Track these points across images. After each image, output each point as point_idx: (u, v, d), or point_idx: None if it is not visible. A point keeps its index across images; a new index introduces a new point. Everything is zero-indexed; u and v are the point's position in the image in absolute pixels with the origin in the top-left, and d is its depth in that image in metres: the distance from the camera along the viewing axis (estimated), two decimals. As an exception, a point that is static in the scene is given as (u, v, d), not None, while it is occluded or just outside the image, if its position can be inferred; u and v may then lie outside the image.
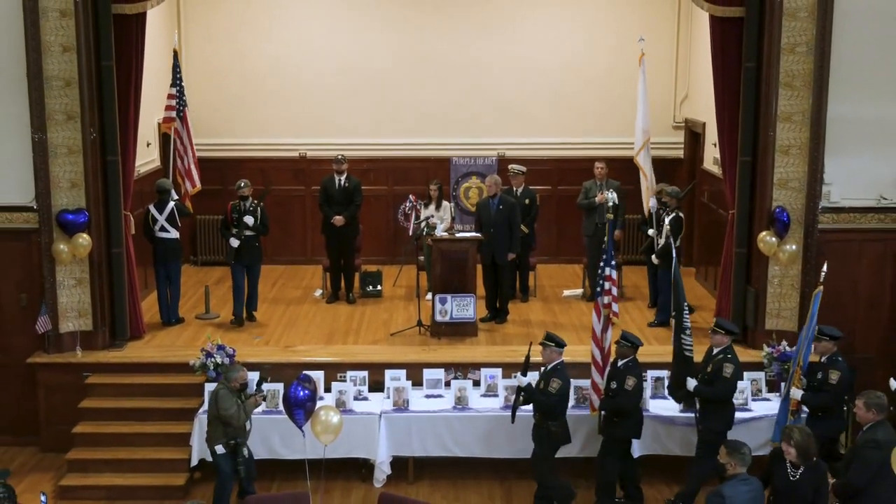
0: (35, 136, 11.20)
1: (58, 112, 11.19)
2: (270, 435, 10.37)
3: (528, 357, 9.92)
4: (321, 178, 14.04)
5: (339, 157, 13.76)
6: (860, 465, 7.81)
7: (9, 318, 11.67)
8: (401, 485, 10.50)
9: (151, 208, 12.65)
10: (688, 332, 10.06)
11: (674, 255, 10.79)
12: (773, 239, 11.35)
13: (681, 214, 12.83)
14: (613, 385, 9.81)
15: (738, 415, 10.53)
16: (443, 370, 11.12)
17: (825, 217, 11.50)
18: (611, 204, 12.44)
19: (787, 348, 11.07)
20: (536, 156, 15.24)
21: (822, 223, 11.49)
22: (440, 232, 12.59)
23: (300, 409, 8.68)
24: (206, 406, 10.60)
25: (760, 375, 10.99)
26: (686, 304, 10.18)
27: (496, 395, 10.80)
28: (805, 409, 9.81)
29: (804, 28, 11.08)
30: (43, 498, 7.43)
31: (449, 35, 15.58)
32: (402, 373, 10.85)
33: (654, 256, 12.95)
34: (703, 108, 14.27)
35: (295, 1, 15.23)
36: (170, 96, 14.25)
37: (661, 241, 12.71)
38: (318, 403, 9.02)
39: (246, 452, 9.47)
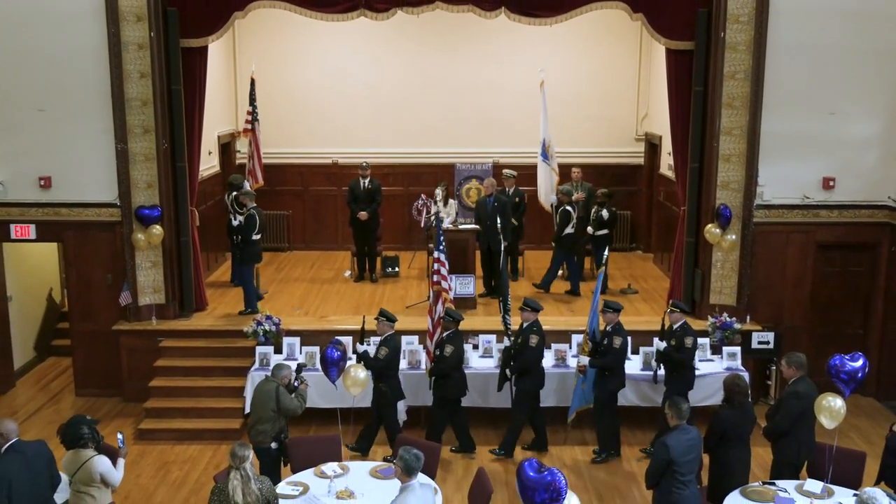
0: (118, 146, 11.26)
1: (136, 126, 11.25)
2: (309, 388, 10.41)
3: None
4: (349, 180, 14.08)
5: (364, 163, 13.82)
6: (785, 412, 7.86)
7: (98, 294, 11.74)
8: (415, 429, 10.49)
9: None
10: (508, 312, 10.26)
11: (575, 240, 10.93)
12: (717, 230, 11.39)
13: (567, 209, 12.97)
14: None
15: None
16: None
17: (759, 213, 11.51)
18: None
19: (728, 318, 11.15)
20: (524, 162, 15.23)
21: (757, 218, 11.51)
22: (446, 224, 12.61)
23: (333, 366, 8.71)
24: (256, 365, 10.69)
25: (706, 341, 11.00)
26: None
27: (491, 357, 10.84)
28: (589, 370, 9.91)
29: (742, 59, 11.10)
30: (120, 437, 7.46)
31: (453, 64, 15.61)
32: (415, 338, 10.86)
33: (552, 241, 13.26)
34: (660, 124, 14.28)
35: (327, 36, 15.19)
36: (248, 112, 14.35)
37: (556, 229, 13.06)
38: (348, 363, 9.06)
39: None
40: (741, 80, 11.15)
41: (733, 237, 11.41)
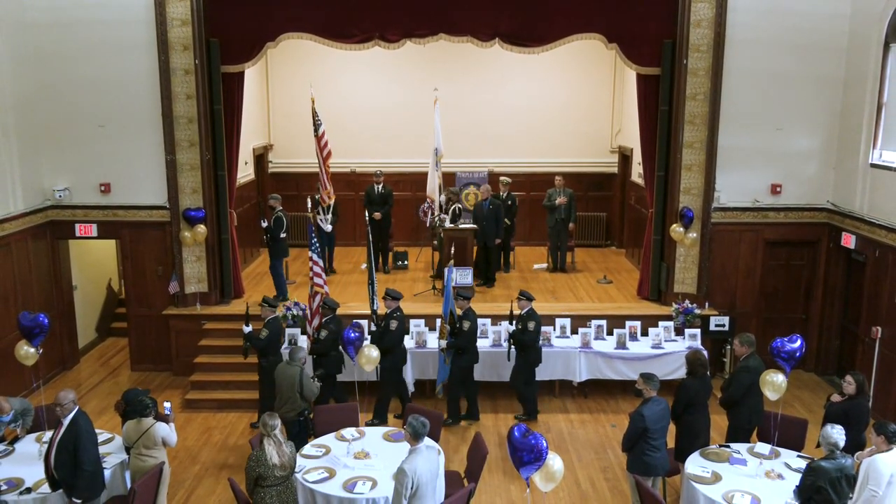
0: (168, 157, 11.27)
1: (183, 140, 11.25)
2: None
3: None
4: (365, 186, 14.06)
5: (378, 172, 13.79)
6: (737, 383, 7.85)
7: (150, 283, 11.78)
8: (421, 399, 10.55)
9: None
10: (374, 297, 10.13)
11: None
12: (681, 229, 11.37)
13: (458, 206, 12.95)
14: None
15: (653, 350, 10.65)
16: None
17: (716, 214, 11.50)
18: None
19: (689, 305, 11.15)
20: (515, 171, 15.23)
21: (714, 218, 11.50)
22: (448, 224, 12.63)
23: (351, 346, 8.71)
24: (286, 344, 10.55)
25: (670, 324, 11.01)
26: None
27: (487, 337, 10.80)
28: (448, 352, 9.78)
29: (702, 83, 11.07)
30: (167, 406, 7.45)
31: (454, 86, 15.50)
32: (422, 321, 10.87)
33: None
34: (631, 138, 14.24)
35: (347, 63, 15.16)
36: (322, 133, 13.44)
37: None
38: (364, 343, 9.06)
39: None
40: (701, 101, 11.13)
41: (694, 235, 11.40)
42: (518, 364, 9.96)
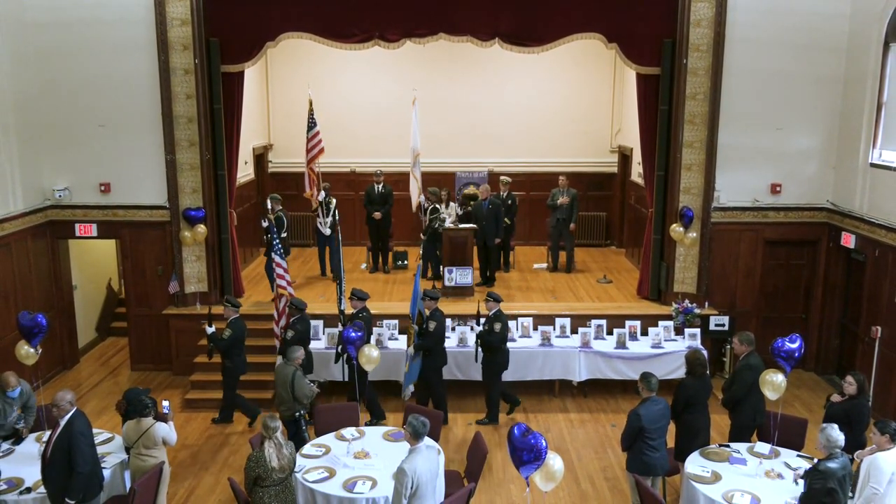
0: (167, 157, 11.27)
1: (183, 140, 11.25)
2: (331, 364, 10.38)
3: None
4: (366, 186, 14.05)
5: (378, 171, 13.77)
6: (740, 382, 7.80)
7: (150, 283, 11.78)
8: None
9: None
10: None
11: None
12: (680, 229, 11.37)
13: (437, 206, 12.99)
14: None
15: (653, 350, 10.64)
16: (449, 319, 10.93)
17: (716, 214, 11.50)
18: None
19: (689, 304, 11.14)
20: (514, 171, 15.23)
21: (714, 218, 11.49)
22: (448, 224, 12.61)
23: (352, 345, 8.71)
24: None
25: (670, 324, 11.01)
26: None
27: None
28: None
29: (702, 82, 11.07)
30: (165, 404, 7.42)
31: (455, 87, 15.57)
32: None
33: (422, 234, 13.10)
34: (631, 138, 14.23)
35: (347, 63, 15.16)
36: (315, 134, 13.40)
37: (427, 223, 12.93)
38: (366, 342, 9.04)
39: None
40: (701, 101, 11.12)
41: (694, 235, 11.39)
42: (485, 365, 9.90)
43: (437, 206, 13.02)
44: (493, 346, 9.70)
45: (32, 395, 8.09)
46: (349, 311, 10.01)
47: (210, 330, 9.62)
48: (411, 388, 9.93)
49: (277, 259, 10.33)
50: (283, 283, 10.22)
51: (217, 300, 11.75)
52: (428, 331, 9.57)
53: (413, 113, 13.66)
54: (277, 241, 10.56)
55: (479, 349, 9.80)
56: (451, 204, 14.01)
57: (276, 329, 10.38)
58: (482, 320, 9.89)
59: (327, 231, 13.12)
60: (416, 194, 13.84)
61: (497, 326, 9.64)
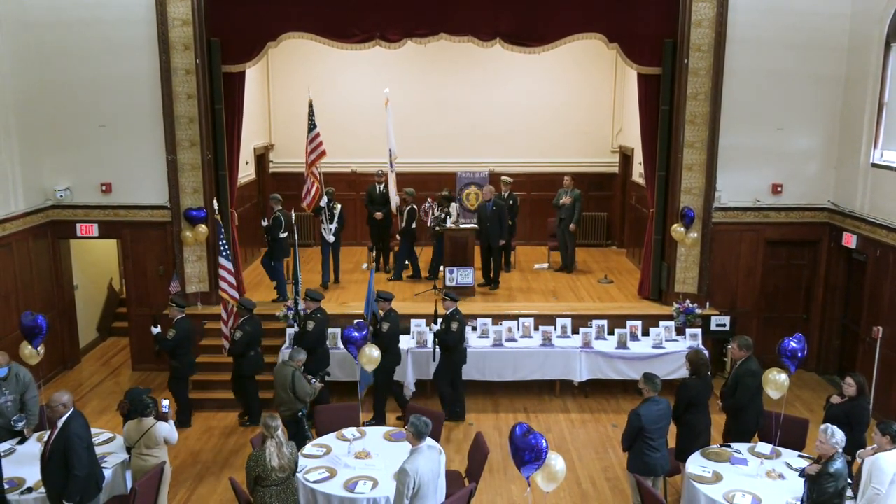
0: (168, 157, 11.26)
1: (184, 140, 11.24)
2: (331, 364, 10.30)
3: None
4: (366, 186, 14.05)
5: (379, 171, 13.76)
6: (743, 389, 7.72)
7: (151, 282, 11.77)
8: (421, 399, 10.53)
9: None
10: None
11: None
12: (681, 229, 11.36)
13: (414, 207, 13.07)
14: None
15: (654, 350, 10.63)
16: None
17: (717, 214, 11.49)
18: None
19: (690, 304, 11.13)
20: (516, 171, 15.23)
21: (715, 218, 11.48)
22: (449, 224, 12.60)
23: (353, 345, 8.70)
24: (287, 344, 10.65)
25: (671, 324, 10.99)
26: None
27: (488, 337, 10.82)
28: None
29: (703, 82, 11.06)
30: (165, 403, 7.42)
31: (456, 87, 15.57)
32: (423, 321, 10.80)
33: (398, 234, 13.21)
34: (632, 138, 14.23)
35: (347, 63, 15.15)
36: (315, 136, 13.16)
37: (403, 225, 13.05)
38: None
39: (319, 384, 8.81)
40: (702, 101, 11.11)
41: (695, 235, 11.39)
42: (442, 364, 9.91)
43: (442, 210, 12.91)
44: (450, 345, 9.73)
45: (32, 387, 7.92)
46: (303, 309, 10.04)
47: (155, 331, 9.67)
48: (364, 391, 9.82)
49: (223, 262, 10.41)
50: (226, 285, 10.29)
51: (218, 299, 11.72)
52: (381, 331, 9.57)
53: (387, 114, 13.53)
54: (223, 241, 10.56)
55: (437, 348, 9.84)
56: (453, 204, 13.99)
57: (225, 329, 10.48)
58: (439, 320, 9.90)
59: (331, 238, 12.88)
60: (394, 194, 13.78)
61: (454, 325, 9.67)
